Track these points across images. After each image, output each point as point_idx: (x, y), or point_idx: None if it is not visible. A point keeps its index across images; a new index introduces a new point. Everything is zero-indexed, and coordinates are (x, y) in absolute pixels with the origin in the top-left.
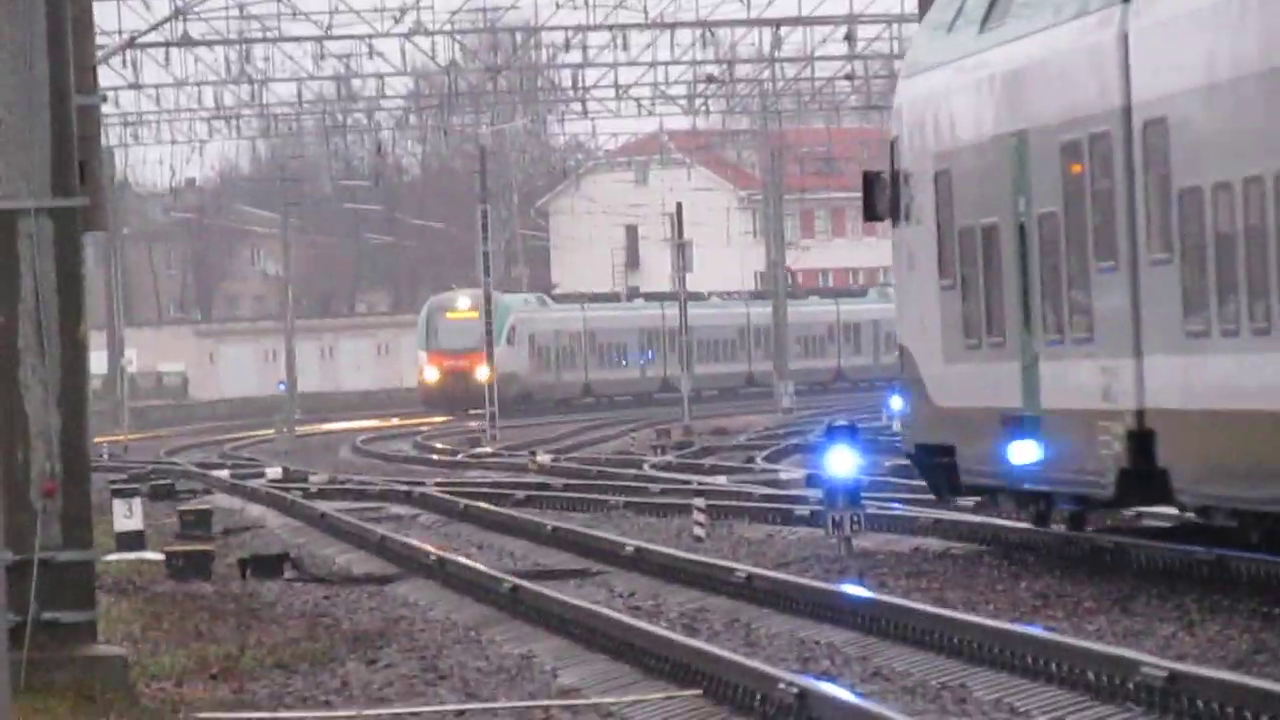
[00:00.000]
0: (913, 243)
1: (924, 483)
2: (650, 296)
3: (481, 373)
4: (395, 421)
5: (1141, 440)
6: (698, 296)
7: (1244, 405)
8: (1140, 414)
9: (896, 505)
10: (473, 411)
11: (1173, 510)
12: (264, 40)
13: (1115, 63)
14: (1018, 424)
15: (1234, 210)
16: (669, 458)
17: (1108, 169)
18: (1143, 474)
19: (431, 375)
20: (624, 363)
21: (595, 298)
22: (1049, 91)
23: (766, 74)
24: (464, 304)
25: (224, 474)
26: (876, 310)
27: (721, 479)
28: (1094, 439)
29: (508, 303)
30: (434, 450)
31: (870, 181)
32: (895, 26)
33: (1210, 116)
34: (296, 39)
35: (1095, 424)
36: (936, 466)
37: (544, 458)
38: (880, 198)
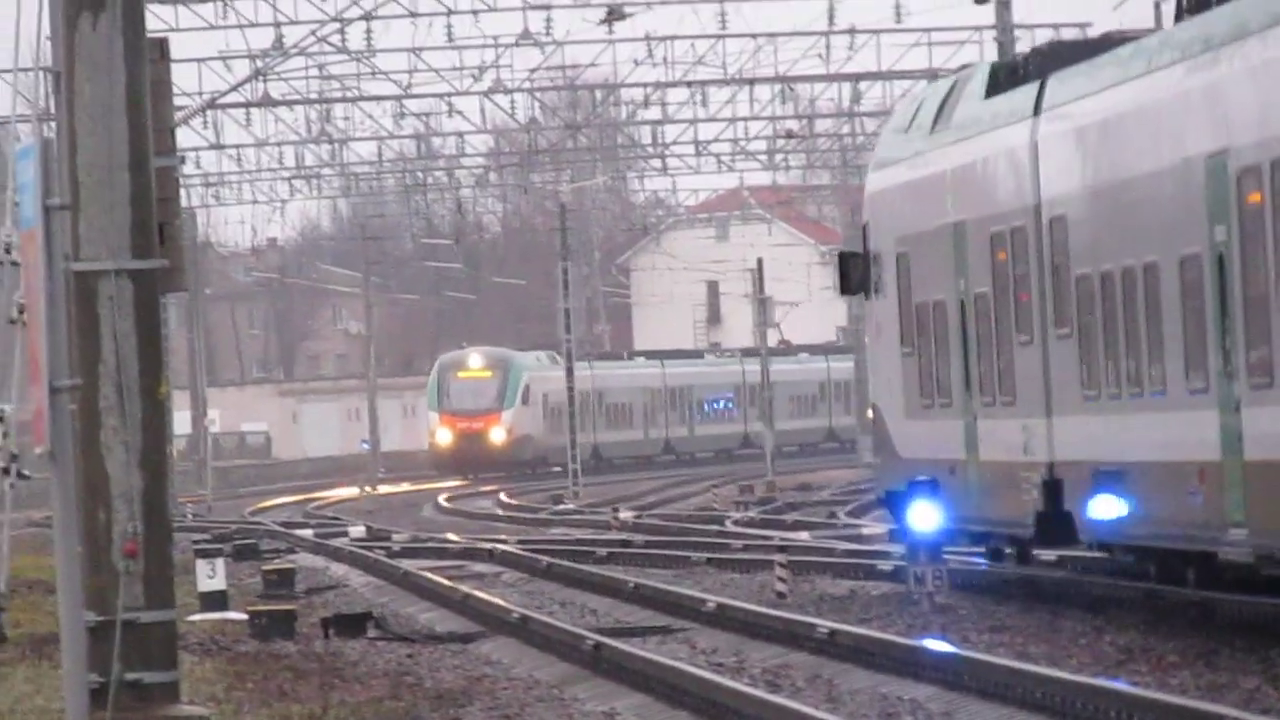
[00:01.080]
0: (880, 315)
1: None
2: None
3: (497, 434)
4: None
5: (1053, 487)
6: (753, 353)
7: (1127, 458)
8: (1051, 465)
9: (979, 560)
10: (483, 475)
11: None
12: (344, 100)
13: (1028, 166)
14: (963, 473)
15: (1114, 294)
16: (751, 514)
17: (1024, 257)
18: (1054, 516)
19: (444, 437)
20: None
21: (602, 356)
22: (981, 189)
23: (846, 129)
24: (476, 363)
25: (307, 533)
26: None
27: (804, 534)
28: (1018, 487)
29: (521, 362)
30: (516, 508)
31: (845, 261)
32: None
33: (1095, 215)
34: (376, 98)
35: (1019, 474)
36: (897, 507)
37: (626, 514)
38: (854, 275)
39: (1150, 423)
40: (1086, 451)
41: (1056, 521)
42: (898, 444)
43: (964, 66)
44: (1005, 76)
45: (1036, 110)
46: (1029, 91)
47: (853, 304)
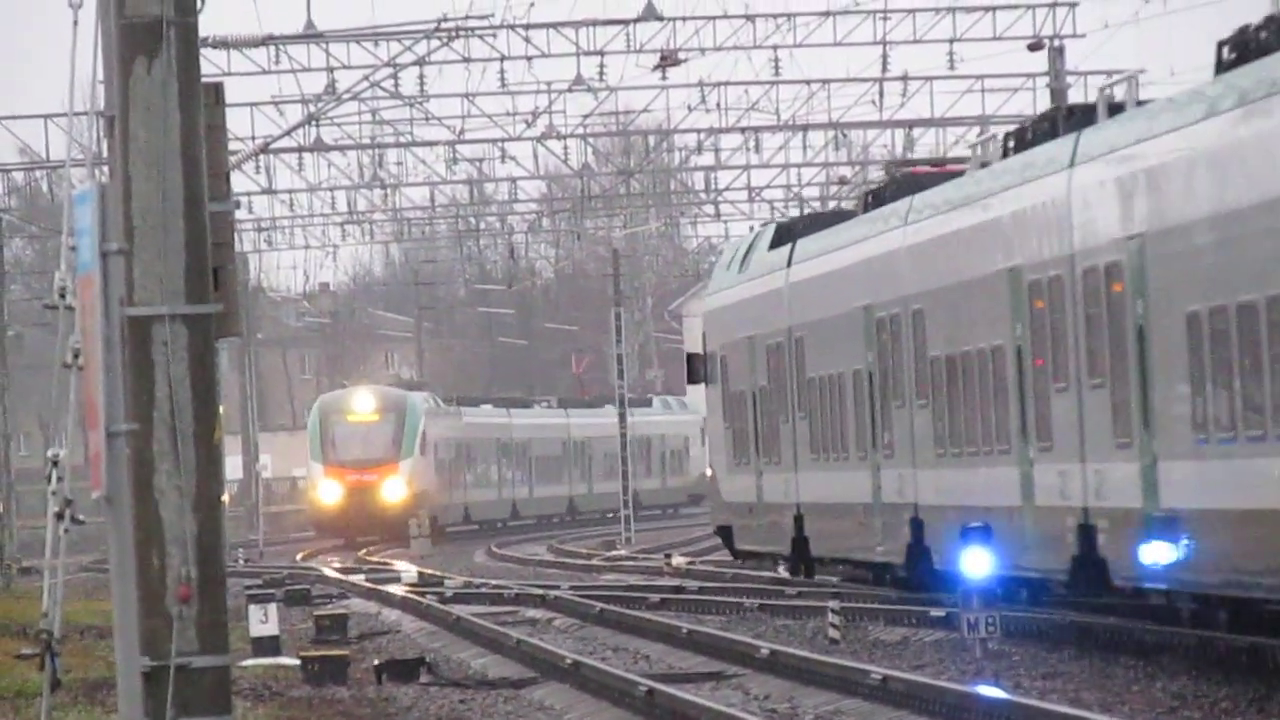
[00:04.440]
0: (712, 398)
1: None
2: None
3: (394, 489)
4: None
5: (799, 523)
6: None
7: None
8: (798, 505)
9: (1030, 607)
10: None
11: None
12: (396, 145)
13: (785, 301)
14: (750, 513)
15: (833, 388)
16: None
17: (780, 362)
18: (798, 543)
19: (329, 493)
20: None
21: (515, 402)
22: (761, 314)
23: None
24: (366, 404)
25: (359, 578)
26: None
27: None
28: (782, 522)
29: (416, 403)
30: (569, 554)
31: (691, 358)
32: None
33: (823, 335)
34: (429, 143)
35: (783, 511)
36: (727, 537)
37: (679, 560)
38: (698, 369)
39: (956, 476)
40: (818, 495)
41: (799, 547)
42: (723, 490)
43: (766, 223)
44: (781, 235)
45: (789, 263)
46: (784, 251)
47: None
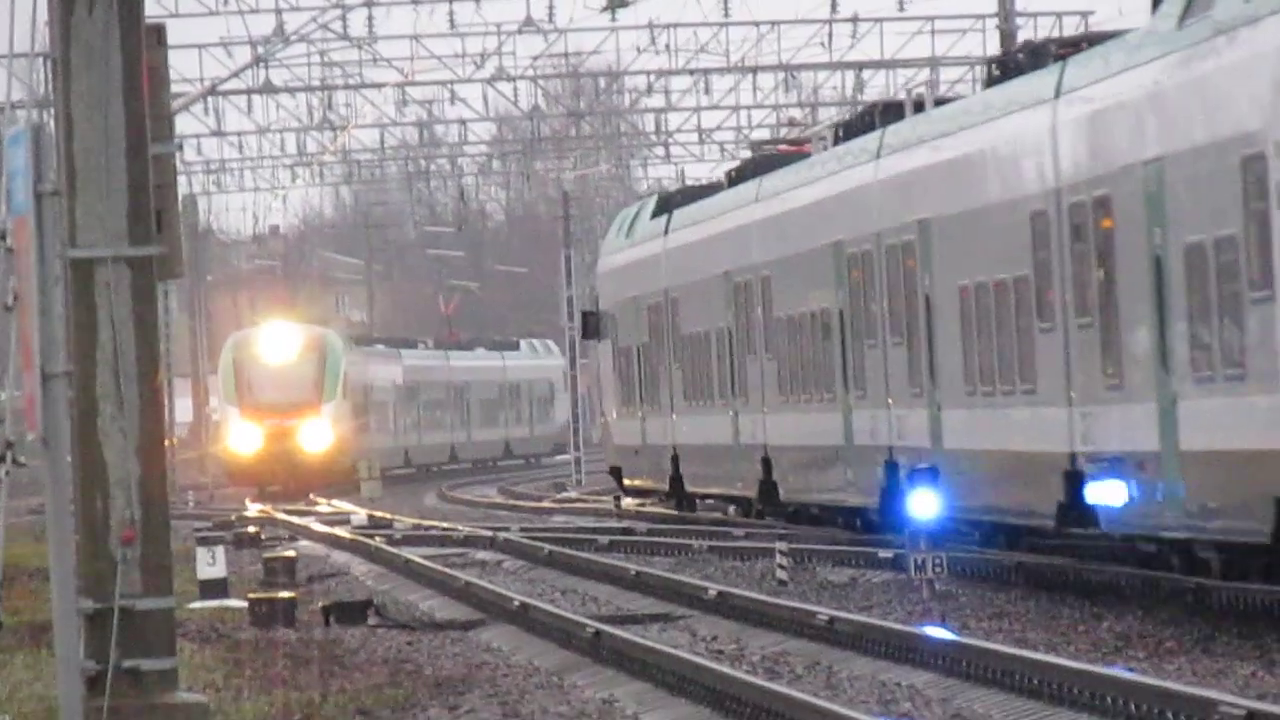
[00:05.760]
0: (603, 352)
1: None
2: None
3: (317, 435)
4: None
5: (675, 462)
6: None
7: (702, 441)
8: (674, 447)
9: (977, 548)
10: (317, 496)
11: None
12: (346, 87)
13: (662, 266)
14: (636, 454)
15: (699, 344)
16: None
17: (659, 320)
18: (674, 480)
19: (247, 439)
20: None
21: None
22: (642, 276)
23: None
24: (285, 342)
25: (309, 521)
26: None
27: (805, 524)
28: (662, 462)
29: (336, 343)
30: (518, 495)
31: (586, 316)
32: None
33: (692, 296)
34: (378, 85)
35: (662, 453)
36: (618, 476)
37: (629, 502)
38: (591, 325)
39: (807, 420)
40: (690, 438)
41: (676, 484)
42: (614, 434)
43: (651, 194)
44: (662, 205)
45: (666, 231)
46: (663, 220)
47: None
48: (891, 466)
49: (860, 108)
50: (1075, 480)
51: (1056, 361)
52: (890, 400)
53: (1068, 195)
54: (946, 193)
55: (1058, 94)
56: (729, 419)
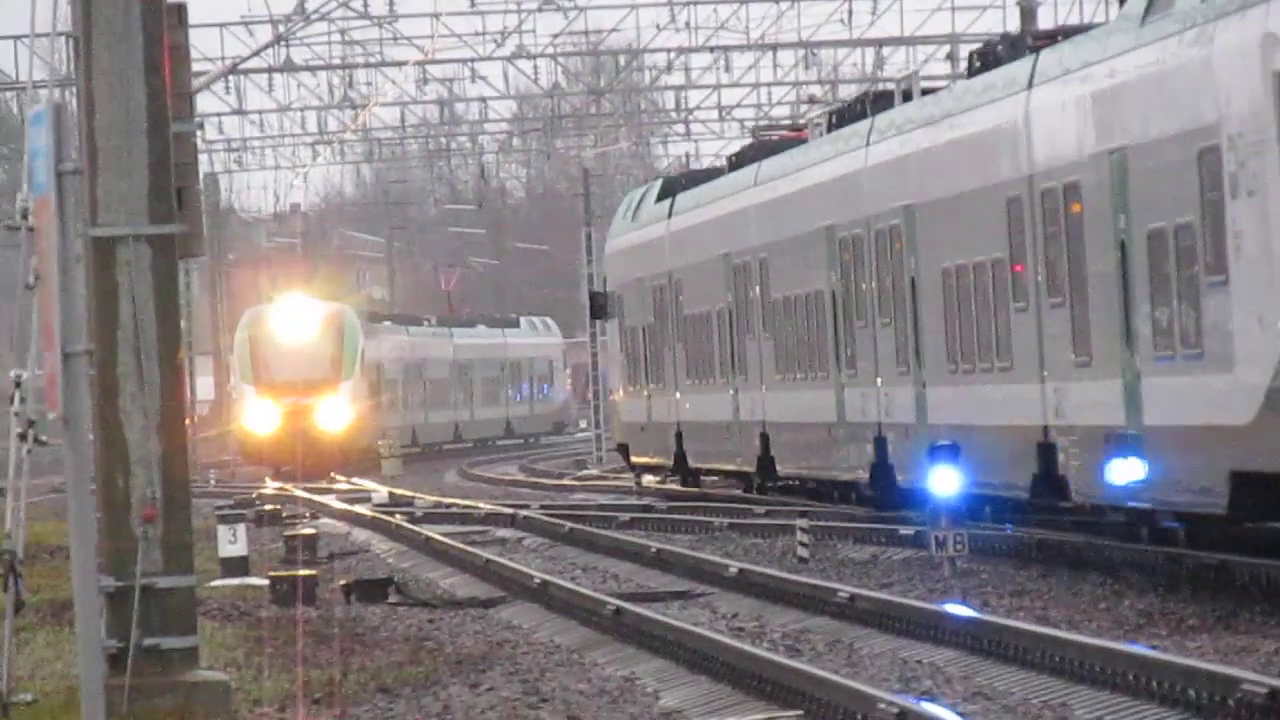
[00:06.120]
0: (612, 332)
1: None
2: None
3: (336, 412)
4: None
5: (678, 438)
6: None
7: (704, 419)
8: (678, 424)
9: (999, 525)
10: (338, 476)
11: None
12: (366, 65)
13: (667, 248)
14: (642, 431)
15: (700, 324)
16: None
17: (664, 300)
18: (679, 455)
19: (265, 418)
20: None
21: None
22: (648, 258)
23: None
24: (303, 319)
25: (330, 499)
26: None
27: (827, 500)
28: (667, 438)
29: (353, 320)
30: (539, 473)
31: (594, 296)
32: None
33: (697, 277)
34: (399, 63)
35: (667, 429)
36: (625, 453)
37: (649, 480)
38: (600, 305)
39: (804, 397)
40: (693, 415)
41: (680, 460)
42: (621, 411)
43: (658, 177)
44: (666, 189)
45: (670, 214)
46: (667, 203)
47: None
48: (880, 442)
49: (879, 86)
50: (1049, 453)
51: (1030, 340)
52: (879, 378)
53: (1040, 181)
54: (930, 179)
55: (1031, 85)
56: (729, 397)
